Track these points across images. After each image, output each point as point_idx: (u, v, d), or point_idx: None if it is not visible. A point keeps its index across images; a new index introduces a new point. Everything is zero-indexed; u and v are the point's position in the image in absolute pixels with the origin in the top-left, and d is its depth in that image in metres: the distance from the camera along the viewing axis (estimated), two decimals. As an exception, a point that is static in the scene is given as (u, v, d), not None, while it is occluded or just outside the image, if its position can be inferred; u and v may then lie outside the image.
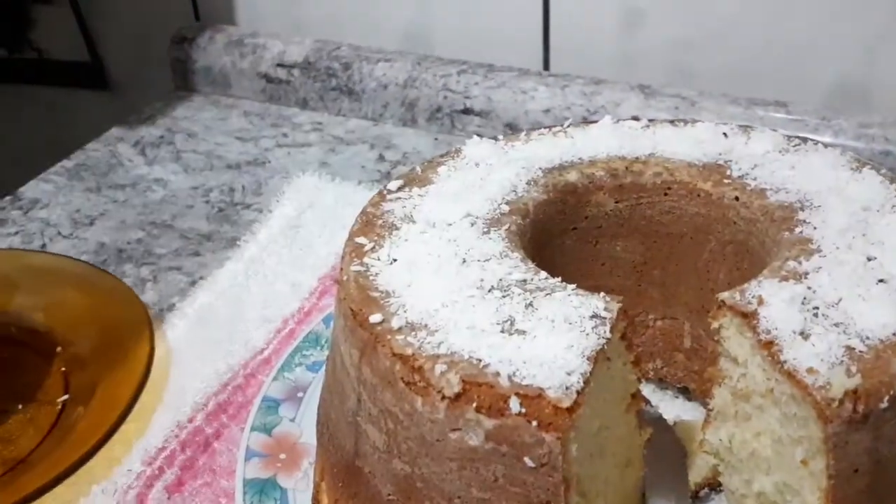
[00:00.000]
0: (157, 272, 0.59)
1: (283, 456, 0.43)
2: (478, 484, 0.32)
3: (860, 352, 0.32)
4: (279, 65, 0.76)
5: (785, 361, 0.32)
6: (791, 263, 0.36)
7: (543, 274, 0.36)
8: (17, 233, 0.63)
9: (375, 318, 0.35)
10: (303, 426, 0.45)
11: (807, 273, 0.35)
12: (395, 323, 0.34)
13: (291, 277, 0.57)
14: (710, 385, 0.39)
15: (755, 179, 0.42)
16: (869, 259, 0.36)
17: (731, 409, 0.37)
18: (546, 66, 0.72)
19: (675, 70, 0.68)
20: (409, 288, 0.36)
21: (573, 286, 0.35)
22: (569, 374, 0.31)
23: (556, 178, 0.43)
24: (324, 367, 0.47)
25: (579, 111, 0.67)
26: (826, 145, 0.44)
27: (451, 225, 0.40)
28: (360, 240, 0.40)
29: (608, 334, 0.33)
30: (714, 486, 0.40)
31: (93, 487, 0.43)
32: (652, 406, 0.44)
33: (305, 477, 0.42)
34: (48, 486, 0.42)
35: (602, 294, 0.35)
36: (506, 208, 0.41)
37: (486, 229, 0.39)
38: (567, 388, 0.31)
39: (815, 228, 0.38)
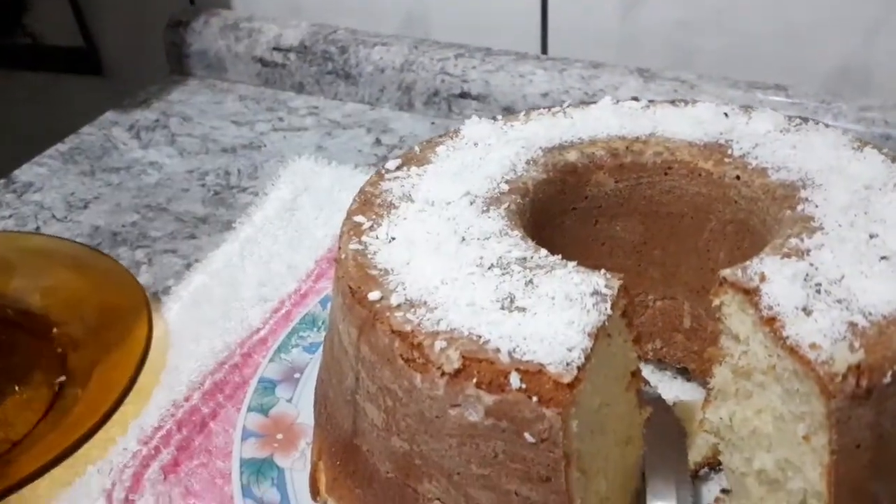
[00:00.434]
0: (152, 255, 0.58)
1: (279, 436, 0.43)
2: (477, 460, 0.32)
3: (863, 327, 0.31)
4: (275, 48, 0.75)
5: (787, 337, 0.31)
6: (793, 241, 0.36)
7: (543, 251, 0.36)
8: (10, 216, 0.62)
9: (374, 295, 0.35)
10: (300, 407, 0.44)
11: (809, 250, 0.35)
12: (394, 300, 0.34)
13: (287, 259, 0.57)
14: (709, 365, 0.39)
15: (756, 158, 0.41)
16: (871, 236, 0.35)
17: (731, 388, 0.37)
18: (544, 49, 0.72)
19: (674, 53, 0.68)
20: (408, 266, 0.36)
21: (574, 263, 0.35)
22: (569, 350, 0.31)
23: (555, 157, 0.42)
24: (321, 348, 0.47)
25: (578, 94, 0.67)
26: (827, 125, 0.44)
27: (449, 203, 0.39)
28: (359, 218, 0.39)
29: (609, 311, 0.33)
30: (714, 465, 0.40)
31: (88, 468, 0.43)
32: (651, 386, 0.43)
33: (302, 457, 0.41)
34: (45, 469, 0.42)
35: (603, 271, 0.34)
36: (505, 187, 0.40)
37: (485, 208, 0.39)
38: (568, 364, 0.30)
39: (816, 206, 0.38)
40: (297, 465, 0.41)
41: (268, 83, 0.76)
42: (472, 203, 0.39)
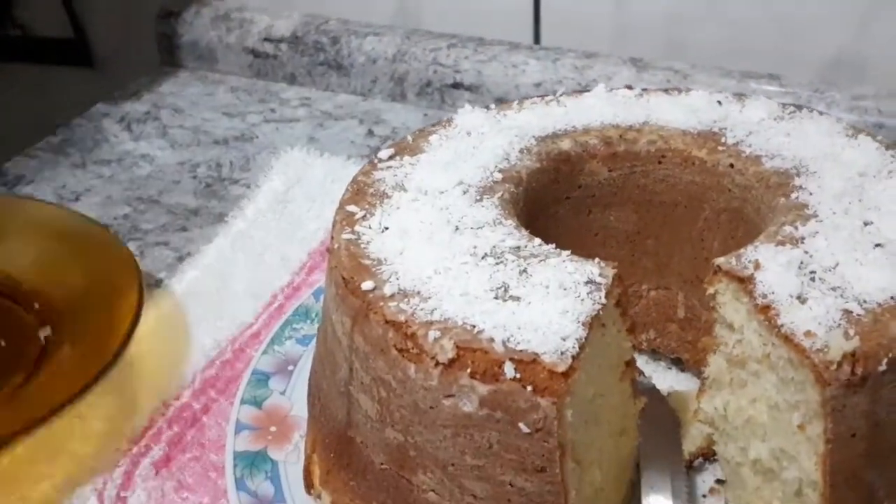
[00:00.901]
0: (143, 247, 0.58)
1: (273, 429, 0.42)
2: (472, 451, 0.32)
3: (858, 315, 0.31)
4: (266, 39, 0.75)
5: (782, 325, 0.31)
6: (787, 228, 0.35)
7: (537, 241, 0.36)
8: None
9: (367, 285, 0.34)
10: (293, 399, 0.44)
11: (803, 238, 0.35)
12: (388, 290, 0.34)
13: (280, 252, 0.57)
14: (703, 355, 0.38)
15: (750, 146, 0.41)
16: (866, 224, 0.35)
17: (726, 377, 0.37)
18: (537, 39, 0.71)
19: (667, 43, 0.67)
20: (402, 255, 0.36)
21: (567, 252, 0.35)
22: (564, 339, 0.31)
23: (549, 146, 0.42)
24: (314, 340, 0.47)
25: (571, 84, 0.66)
26: (821, 112, 0.44)
27: (443, 193, 0.39)
28: (351, 208, 0.39)
29: (603, 300, 0.32)
30: (708, 455, 0.40)
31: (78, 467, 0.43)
32: (645, 376, 0.43)
33: (296, 450, 0.41)
34: (31, 426, 0.41)
35: (597, 260, 0.34)
36: (499, 176, 0.40)
37: (478, 197, 0.39)
38: (562, 353, 0.30)
39: (811, 194, 0.38)
40: (291, 458, 0.41)
41: (259, 74, 0.76)
42: (465, 192, 0.39)
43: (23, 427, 0.41)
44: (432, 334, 0.32)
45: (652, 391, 0.42)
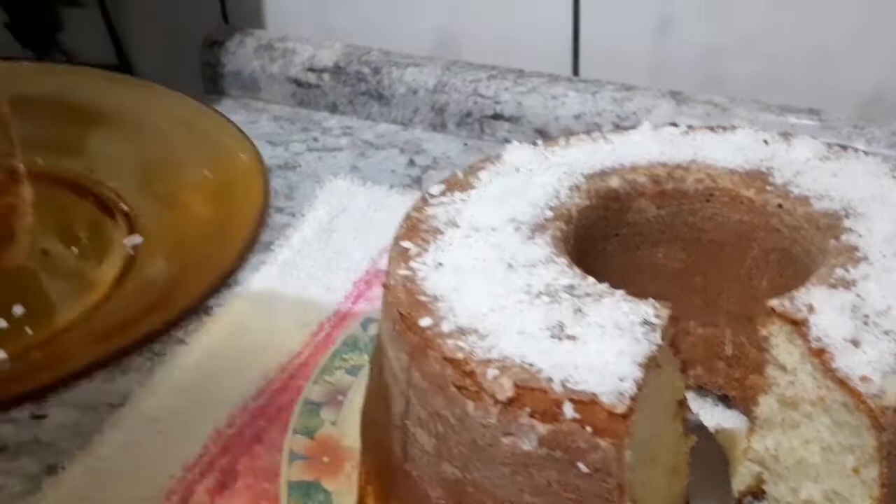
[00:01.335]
0: (191, 275, 0.59)
1: (325, 459, 0.43)
2: (530, 489, 0.32)
3: (913, 360, 0.32)
4: (309, 69, 0.76)
5: (837, 369, 0.32)
6: (839, 271, 0.36)
7: (591, 279, 0.36)
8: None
9: (425, 322, 0.35)
10: (344, 429, 0.45)
11: (855, 281, 0.35)
12: (445, 327, 0.35)
13: (325, 281, 0.58)
14: (751, 392, 0.39)
15: (798, 187, 0.42)
16: (917, 267, 0.36)
17: (777, 417, 0.37)
18: (576, 71, 0.72)
19: (706, 76, 0.68)
20: (457, 292, 0.37)
21: (621, 292, 0.35)
22: (622, 380, 0.31)
23: (598, 183, 0.43)
24: (364, 371, 0.47)
25: (610, 117, 0.67)
26: (867, 153, 0.44)
27: (495, 230, 0.40)
28: (406, 244, 0.40)
29: (659, 341, 0.33)
30: (758, 494, 0.40)
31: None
32: (693, 413, 0.44)
33: (348, 480, 0.42)
34: (124, 351, 0.37)
35: (651, 300, 0.35)
36: (549, 214, 0.41)
37: (530, 234, 0.39)
38: (621, 395, 0.31)
39: (860, 236, 0.38)
40: (344, 489, 0.41)
41: (302, 103, 0.77)
42: (517, 229, 0.40)
43: (97, 359, 0.36)
44: (491, 373, 0.33)
45: (700, 428, 0.42)
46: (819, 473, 0.35)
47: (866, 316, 0.34)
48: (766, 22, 0.65)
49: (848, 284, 0.35)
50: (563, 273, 0.37)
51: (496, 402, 0.32)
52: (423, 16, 0.75)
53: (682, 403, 0.37)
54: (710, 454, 0.41)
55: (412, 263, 0.39)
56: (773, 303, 0.35)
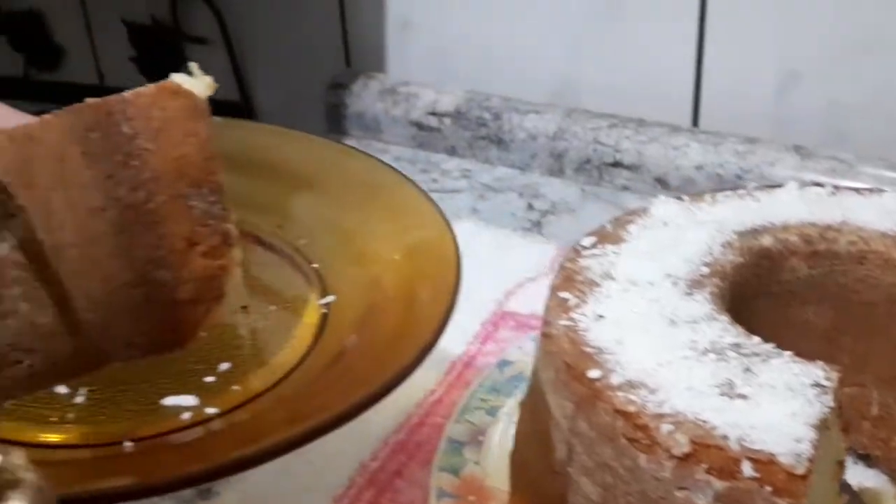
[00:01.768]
0: (324, 310, 0.61)
1: (472, 498, 0.44)
2: (704, 543, 0.33)
3: None
4: (431, 113, 0.78)
5: None
6: None
7: (756, 339, 0.37)
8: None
9: (593, 373, 0.36)
10: (488, 469, 0.46)
11: None
12: (614, 380, 0.36)
13: (455, 321, 0.59)
14: (900, 454, 0.39)
15: (953, 252, 0.42)
16: None
17: (936, 482, 0.37)
18: (695, 121, 0.73)
19: (830, 132, 0.68)
20: (621, 346, 0.38)
21: (789, 353, 0.36)
22: (797, 441, 0.32)
23: (750, 241, 0.44)
24: (502, 412, 0.49)
25: (732, 169, 0.68)
26: None
27: (652, 284, 0.41)
28: (564, 295, 0.41)
29: (832, 403, 0.34)
30: (908, 556, 0.41)
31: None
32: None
33: (496, 521, 0.43)
34: (310, 436, 0.34)
35: (820, 362, 0.35)
36: (705, 270, 0.42)
37: (688, 290, 0.40)
38: (798, 455, 0.32)
39: None
40: (493, 529, 0.43)
41: (421, 145, 0.80)
42: (674, 284, 0.41)
43: (302, 435, 0.34)
44: (665, 427, 0.33)
45: (847, 487, 0.42)
46: None
47: None
48: (893, 79, 0.66)
49: None
50: (726, 331, 0.38)
51: (671, 456, 0.33)
52: (543, 63, 0.77)
53: (841, 464, 0.37)
54: (859, 515, 0.41)
55: (572, 314, 0.40)
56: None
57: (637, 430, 0.34)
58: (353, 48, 0.85)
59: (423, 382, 0.54)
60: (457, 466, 0.46)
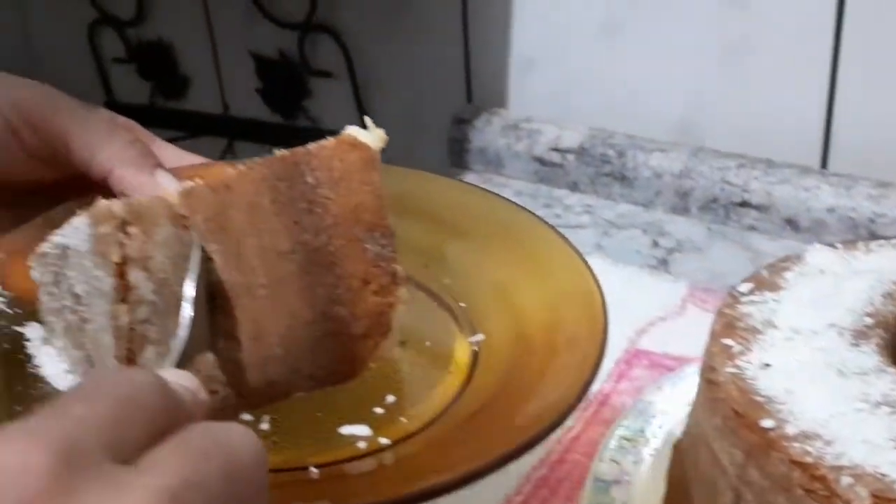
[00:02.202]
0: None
1: (624, 538, 0.45)
2: None
3: None
4: (554, 149, 0.80)
5: None
6: None
7: (931, 393, 0.37)
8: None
9: (767, 423, 0.37)
10: (635, 510, 0.47)
11: None
12: (789, 430, 0.36)
13: (588, 358, 0.60)
14: None
15: None
16: None
17: None
18: (824, 162, 0.73)
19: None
20: (791, 395, 0.38)
21: (968, 410, 0.36)
22: (985, 500, 0.32)
23: (911, 293, 0.44)
24: (646, 453, 0.49)
25: (865, 213, 0.67)
26: None
27: (816, 333, 0.41)
28: (728, 341, 0.42)
29: None
30: None
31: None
32: None
33: (652, 562, 0.44)
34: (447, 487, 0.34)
35: None
36: (869, 321, 0.42)
37: (854, 341, 0.41)
38: None
39: None
40: (651, 570, 0.43)
41: (542, 180, 0.81)
42: (840, 335, 0.41)
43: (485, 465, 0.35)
44: (845, 480, 0.34)
45: None
46: None
47: None
48: None
49: None
50: (897, 384, 0.38)
51: (853, 509, 0.33)
52: (667, 102, 0.78)
53: None
54: None
55: (738, 362, 0.40)
56: None
57: (815, 481, 0.34)
58: (476, 85, 0.87)
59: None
60: (605, 505, 0.47)
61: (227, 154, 1.09)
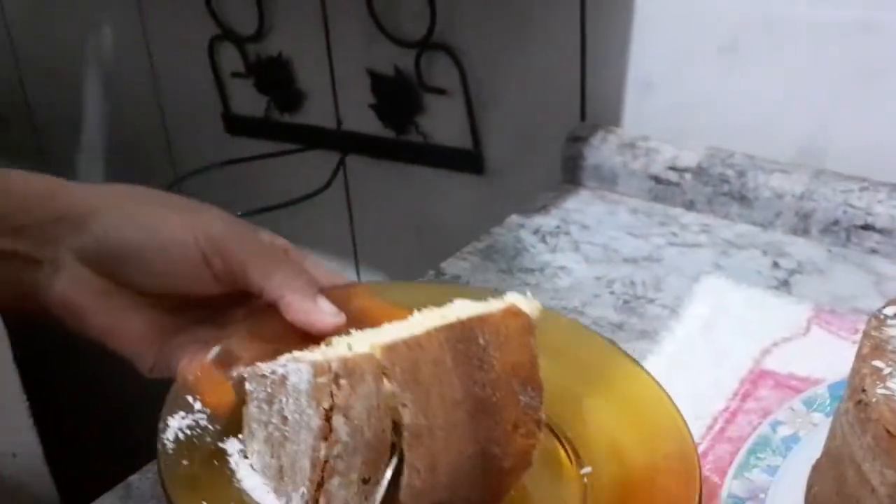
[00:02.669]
0: (581, 356, 0.64)
1: (763, 555, 0.46)
2: None
3: None
4: (671, 168, 0.80)
5: None
6: None
7: None
8: (446, 305, 0.71)
9: (922, 444, 0.37)
10: (772, 528, 0.47)
11: None
12: (947, 452, 0.37)
13: (712, 376, 0.61)
14: None
15: None
16: None
17: None
18: (951, 187, 0.72)
19: None
20: (946, 418, 0.38)
21: None
22: None
23: None
24: (781, 471, 0.50)
25: None
26: None
27: (967, 358, 0.42)
28: (877, 363, 0.42)
29: None
30: None
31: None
32: None
33: (791, 579, 0.44)
34: None
35: None
36: None
37: None
38: None
39: None
40: (792, 588, 0.44)
41: (657, 199, 0.82)
42: None
43: None
44: None
45: None
46: None
47: None
48: None
49: None
50: None
51: None
52: (787, 123, 0.78)
53: None
54: None
55: (889, 384, 0.41)
56: None
57: (975, 504, 0.35)
58: (590, 103, 0.88)
59: (688, 435, 0.56)
60: (742, 522, 0.48)
61: (339, 167, 1.13)
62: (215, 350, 0.48)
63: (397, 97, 1.03)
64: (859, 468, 0.40)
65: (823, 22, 0.73)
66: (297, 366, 0.40)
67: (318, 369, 0.39)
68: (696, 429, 0.57)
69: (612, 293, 0.71)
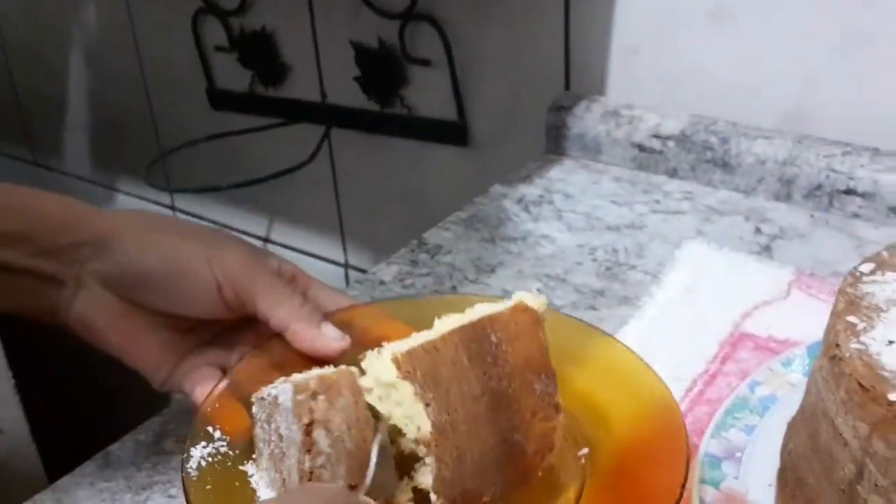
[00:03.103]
0: (562, 322, 0.64)
1: (736, 511, 0.46)
2: None
3: None
4: (654, 136, 0.80)
5: None
6: None
7: None
8: (428, 274, 0.71)
9: (893, 396, 0.37)
10: (747, 485, 0.48)
11: None
12: (917, 404, 0.37)
13: (692, 341, 0.61)
14: None
15: None
16: None
17: None
18: (933, 151, 0.72)
19: None
20: (917, 371, 0.38)
21: None
22: None
23: None
24: (758, 431, 0.50)
25: (978, 201, 0.66)
26: None
27: (941, 313, 0.42)
28: (851, 319, 0.42)
29: None
30: None
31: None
32: None
33: (765, 534, 0.44)
34: None
35: None
36: None
37: (981, 321, 0.41)
38: None
39: None
40: (765, 542, 0.44)
41: (641, 167, 0.82)
42: (965, 315, 0.41)
43: None
44: (977, 453, 0.34)
45: None
46: None
47: None
48: None
49: None
50: None
51: None
52: (771, 91, 0.77)
53: None
54: None
55: (862, 338, 0.41)
56: None
57: (945, 453, 0.35)
58: (574, 72, 0.88)
59: (667, 397, 0.56)
60: (717, 480, 0.48)
61: (324, 140, 1.12)
62: (229, 378, 0.51)
63: (382, 69, 1.03)
64: (833, 422, 0.40)
65: (806, -14, 0.73)
66: (284, 386, 0.43)
67: (298, 388, 0.42)
68: (676, 391, 0.56)
69: (594, 260, 0.71)
